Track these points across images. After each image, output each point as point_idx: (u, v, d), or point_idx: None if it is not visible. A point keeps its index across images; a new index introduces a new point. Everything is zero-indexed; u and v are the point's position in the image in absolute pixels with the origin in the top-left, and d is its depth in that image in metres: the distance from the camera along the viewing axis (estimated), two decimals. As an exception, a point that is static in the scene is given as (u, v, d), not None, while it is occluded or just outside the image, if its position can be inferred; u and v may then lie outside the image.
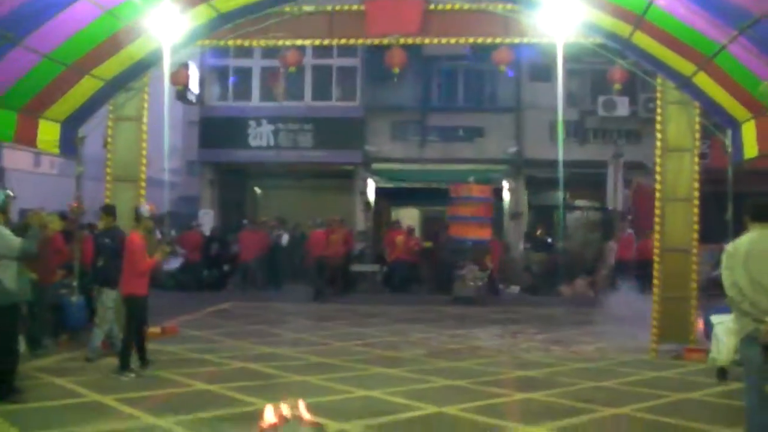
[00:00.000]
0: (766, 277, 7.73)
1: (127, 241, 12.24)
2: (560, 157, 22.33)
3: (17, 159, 39.06)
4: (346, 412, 9.84)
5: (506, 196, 31.76)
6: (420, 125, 31.44)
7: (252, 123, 31.62)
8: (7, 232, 10.04)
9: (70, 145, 15.01)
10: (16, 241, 9.97)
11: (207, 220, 31.09)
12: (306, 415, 8.81)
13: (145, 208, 12.53)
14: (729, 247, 8.10)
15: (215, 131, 31.72)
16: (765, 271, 7.73)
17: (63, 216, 15.01)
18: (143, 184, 15.50)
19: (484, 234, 24.68)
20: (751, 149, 13.32)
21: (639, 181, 27.19)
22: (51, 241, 13.95)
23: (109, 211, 13.52)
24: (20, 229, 10.73)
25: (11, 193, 10.48)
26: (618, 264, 24.74)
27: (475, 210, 24.50)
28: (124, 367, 11.93)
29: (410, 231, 28.06)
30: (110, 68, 14.19)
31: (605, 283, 24.17)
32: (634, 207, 27.17)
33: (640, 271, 22.16)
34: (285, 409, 8.82)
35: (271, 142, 31.60)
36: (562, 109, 21.69)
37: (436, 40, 15.88)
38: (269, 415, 8.67)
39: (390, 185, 31.69)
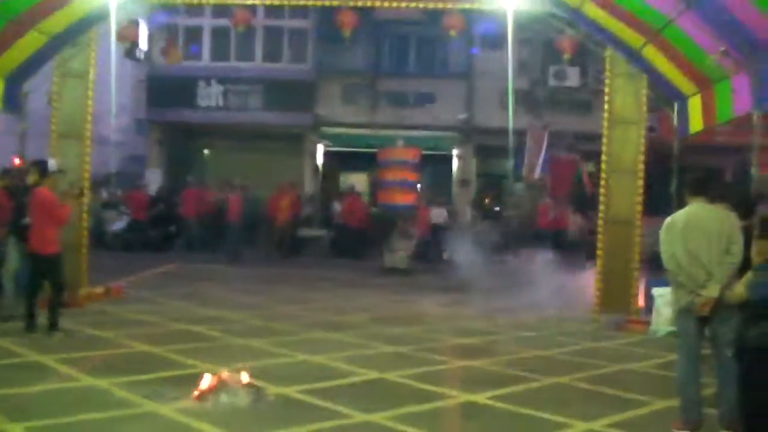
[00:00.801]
0: (703, 251, 7.85)
1: (35, 197, 11.96)
2: (510, 124, 22.31)
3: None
4: (288, 376, 9.85)
5: (455, 163, 31.82)
6: (371, 90, 31.34)
7: (201, 83, 31.34)
8: None
9: (14, 101, 14.79)
10: None
11: (154, 179, 30.84)
12: (245, 379, 8.87)
13: (52, 162, 12.33)
14: (667, 220, 8.23)
15: (164, 90, 31.35)
16: (701, 244, 7.86)
17: (5, 172, 14.72)
18: (88, 141, 15.34)
19: (410, 199, 23.75)
20: (696, 123, 13.48)
21: (552, 152, 27.44)
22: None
23: (39, 166, 13.08)
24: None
25: None
26: (536, 233, 24.90)
27: (402, 174, 23.40)
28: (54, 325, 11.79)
29: (357, 196, 27.93)
30: (56, 23, 14.00)
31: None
32: (550, 176, 27.41)
33: (556, 241, 22.42)
34: (225, 373, 8.89)
35: (221, 103, 31.37)
36: (512, 77, 21.59)
37: (387, 3, 15.75)
38: (209, 378, 8.73)
39: (339, 149, 31.62)
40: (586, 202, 25.14)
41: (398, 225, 23.31)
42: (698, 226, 7.97)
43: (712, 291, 7.76)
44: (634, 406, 9.09)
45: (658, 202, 15.65)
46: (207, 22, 31.38)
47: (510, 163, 27.76)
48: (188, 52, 31.65)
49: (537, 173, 26.20)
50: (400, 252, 22.48)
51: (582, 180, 27.22)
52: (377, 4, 16.01)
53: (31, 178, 13.15)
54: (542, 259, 19.20)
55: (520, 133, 26.02)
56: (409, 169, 23.49)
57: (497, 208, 29.60)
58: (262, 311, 15.05)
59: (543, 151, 25.85)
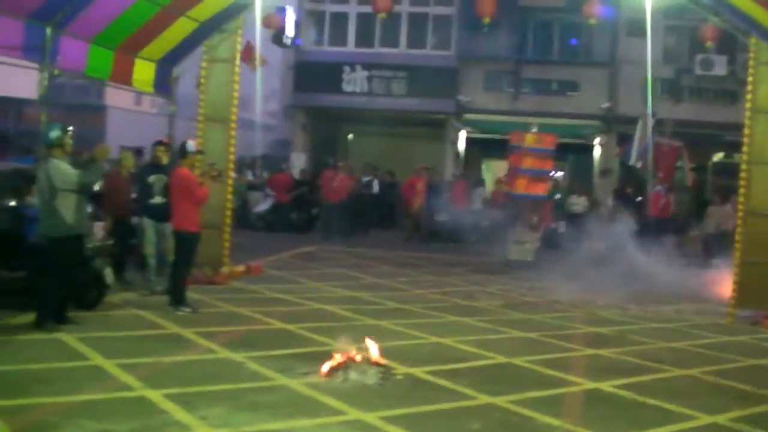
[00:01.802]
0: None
1: (175, 177, 12.43)
2: (649, 112, 21.91)
3: (118, 97, 39.92)
4: (416, 357, 10.05)
5: (597, 152, 31.51)
6: (513, 77, 31.32)
7: (347, 68, 31.82)
8: (65, 166, 10.26)
9: (164, 84, 15.40)
10: (73, 174, 10.19)
11: (299, 163, 31.50)
12: (375, 357, 9.12)
13: (191, 144, 12.70)
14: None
15: (310, 76, 31.98)
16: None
17: (138, 152, 15.16)
18: (233, 125, 15.81)
19: (542, 190, 22.43)
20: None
21: (658, 139, 26.73)
22: (122, 178, 14.36)
23: (179, 147, 13.06)
24: (86, 163, 10.92)
25: (70, 129, 10.69)
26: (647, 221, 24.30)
27: (535, 162, 22.01)
28: (179, 301, 12.24)
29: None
30: (206, 9, 14.50)
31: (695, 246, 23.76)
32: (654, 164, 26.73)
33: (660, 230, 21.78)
34: (355, 351, 9.15)
35: (365, 89, 31.81)
36: (651, 65, 21.22)
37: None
38: (339, 356, 9.01)
39: (481, 136, 31.67)
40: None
41: (526, 216, 22.32)
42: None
43: None
44: (763, 402, 8.97)
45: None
46: (353, 9, 31.81)
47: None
48: (334, 38, 32.25)
49: (640, 160, 25.62)
50: (526, 244, 21.88)
51: (684, 168, 26.44)
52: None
53: (162, 158, 13.64)
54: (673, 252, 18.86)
55: (661, 122, 25.62)
56: (544, 157, 22.30)
57: (639, 198, 29.11)
58: (395, 293, 15.31)
59: (647, 139, 25.23)
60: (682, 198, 28.29)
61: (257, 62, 16.82)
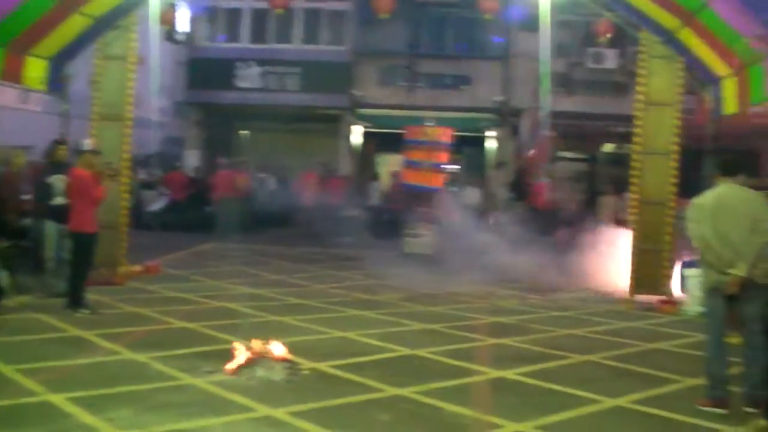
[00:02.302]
0: (732, 231, 7.97)
1: (71, 177, 12.22)
2: (546, 107, 22.33)
3: (3, 95, 38.79)
4: (321, 352, 10.06)
5: (491, 144, 31.88)
6: (408, 71, 31.44)
7: (240, 65, 31.59)
8: None
9: (56, 82, 15.07)
10: None
11: (193, 161, 31.15)
12: (280, 353, 9.09)
13: (87, 143, 12.53)
14: (696, 200, 8.34)
15: (203, 72, 31.67)
16: (730, 224, 7.97)
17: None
18: (129, 123, 15.56)
19: (437, 182, 22.16)
20: (730, 105, 13.52)
21: (535, 132, 27.48)
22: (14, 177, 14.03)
23: (72, 146, 13.26)
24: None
25: None
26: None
27: (432, 155, 21.88)
28: (78, 303, 12.01)
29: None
30: (99, 5, 14.23)
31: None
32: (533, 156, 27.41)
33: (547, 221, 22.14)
34: (259, 347, 9.11)
35: (259, 85, 31.61)
36: (549, 59, 21.58)
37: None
38: (244, 353, 8.96)
39: (376, 131, 31.76)
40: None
41: (422, 208, 22.02)
42: (727, 206, 8.08)
43: (740, 270, 7.89)
44: (662, 383, 9.24)
45: (694, 184, 15.65)
46: (246, 4, 31.58)
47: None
48: (228, 34, 32.02)
49: (528, 152, 26.20)
50: (423, 237, 21.35)
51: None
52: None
53: (59, 155, 13.37)
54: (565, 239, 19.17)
55: (556, 116, 26.10)
56: (440, 150, 22.19)
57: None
58: (296, 289, 15.28)
59: (538, 131, 25.82)
60: (575, 188, 28.84)
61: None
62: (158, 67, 24.22)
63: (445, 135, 22.15)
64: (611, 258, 17.17)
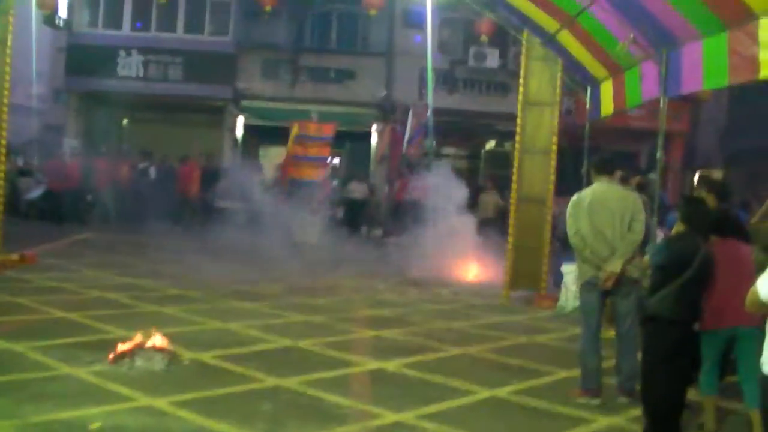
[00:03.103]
0: (607, 227, 8.24)
1: None
2: (430, 102, 22.63)
3: None
4: (202, 342, 10.04)
5: (374, 139, 32.06)
6: (292, 64, 31.38)
7: (122, 52, 31.06)
8: None
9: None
10: None
11: (71, 149, 30.50)
12: (160, 344, 9.04)
13: None
14: (574, 197, 8.61)
15: (83, 59, 30.99)
16: (606, 221, 8.24)
17: None
18: (5, 109, 15.21)
19: (319, 174, 23.59)
20: (607, 107, 13.90)
21: (391, 125, 27.99)
22: None
23: None
24: None
25: None
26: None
27: (314, 149, 23.16)
28: None
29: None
30: (-25, -13, 13.89)
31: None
32: (389, 151, 27.89)
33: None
34: (140, 338, 9.05)
35: (141, 73, 31.12)
36: (421, 55, 21.87)
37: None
38: (124, 343, 8.89)
39: (259, 123, 31.62)
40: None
41: (308, 200, 22.82)
42: (603, 203, 8.36)
43: (615, 266, 8.17)
44: (537, 375, 9.49)
45: (572, 182, 16.04)
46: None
47: (428, 142, 28.01)
48: (109, 21, 31.44)
49: (410, 148, 26.59)
50: (309, 227, 22.37)
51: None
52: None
53: None
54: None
55: (438, 113, 26.48)
56: (322, 145, 23.27)
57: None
58: (177, 280, 15.15)
59: (420, 127, 26.21)
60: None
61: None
62: (37, 53, 23.71)
63: (328, 129, 22.70)
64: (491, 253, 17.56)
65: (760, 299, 4.83)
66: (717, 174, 12.55)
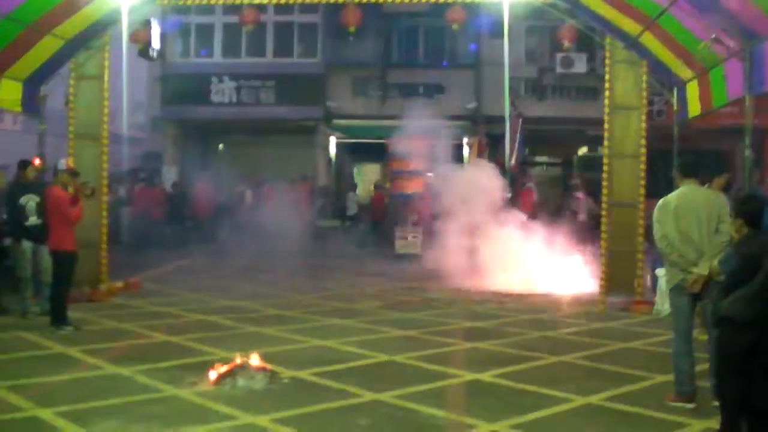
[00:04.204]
0: (694, 231, 8.25)
1: (48, 197, 12.35)
2: (506, 112, 22.74)
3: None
4: (301, 360, 10.27)
5: (465, 151, 32.13)
6: (380, 81, 31.71)
7: (214, 79, 31.75)
8: None
9: (32, 103, 15.26)
10: None
11: (170, 176, 31.24)
12: (260, 363, 9.31)
13: (62, 162, 12.69)
14: (660, 201, 8.63)
15: (177, 87, 31.78)
16: (692, 224, 8.25)
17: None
18: (105, 141, 15.78)
19: (418, 187, 24.09)
20: (694, 107, 13.86)
21: (480, 137, 27.87)
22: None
23: (23, 165, 13.60)
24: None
25: None
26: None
27: (410, 163, 23.62)
28: (61, 321, 12.17)
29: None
30: (70, 27, 14.43)
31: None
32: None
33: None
34: (240, 358, 9.33)
35: (234, 99, 31.77)
36: (513, 65, 21.91)
37: (390, -1, 16.18)
38: (225, 364, 9.18)
39: (351, 141, 32.00)
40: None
41: (407, 213, 23.73)
42: (689, 206, 8.36)
43: (703, 269, 8.16)
44: (633, 381, 9.51)
45: (663, 185, 15.93)
46: (218, 20, 31.75)
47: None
48: (201, 50, 32.19)
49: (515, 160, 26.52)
50: (410, 237, 22.98)
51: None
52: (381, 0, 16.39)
53: (28, 175, 13.53)
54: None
55: (528, 121, 26.44)
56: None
57: (509, 195, 29.79)
58: (276, 300, 15.48)
59: (518, 139, 26.16)
60: (552, 192, 29.16)
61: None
62: (133, 84, 24.34)
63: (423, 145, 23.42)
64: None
65: None
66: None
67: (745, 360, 6.70)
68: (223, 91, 31.77)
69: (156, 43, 17.57)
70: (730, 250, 7.32)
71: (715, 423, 7.78)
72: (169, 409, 8.07)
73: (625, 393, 8.94)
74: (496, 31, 29.79)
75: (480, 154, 27.84)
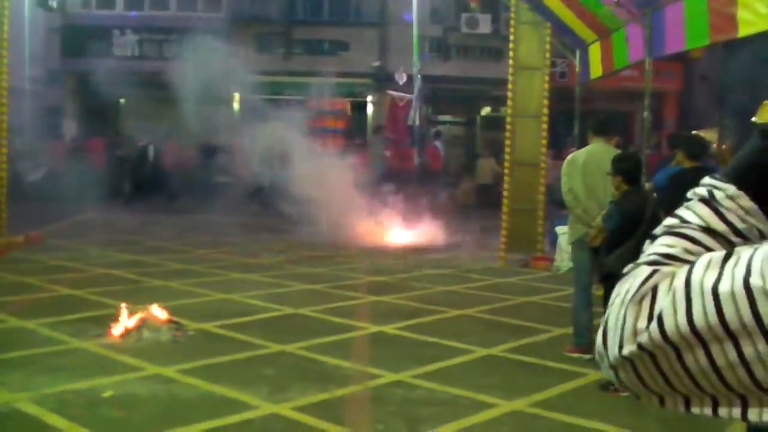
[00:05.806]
0: (599, 186, 8.47)
1: None
2: (415, 72, 22.86)
3: None
4: (206, 313, 10.31)
5: (370, 109, 32.23)
6: (285, 38, 31.52)
7: (116, 32, 31.20)
8: None
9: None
10: None
11: (70, 130, 30.70)
12: (166, 315, 9.31)
13: None
14: (569, 156, 8.87)
15: (78, 40, 31.15)
16: (599, 180, 8.47)
17: None
18: (5, 93, 15.39)
19: (337, 146, 23.84)
20: (596, 69, 14.06)
21: (391, 95, 28.13)
22: None
23: None
24: None
25: None
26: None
27: (330, 123, 24.45)
28: None
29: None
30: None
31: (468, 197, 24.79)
32: (388, 120, 28.06)
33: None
34: (146, 311, 9.31)
35: (136, 52, 31.28)
36: (419, 24, 22.02)
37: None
38: (129, 316, 9.15)
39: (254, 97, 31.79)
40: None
41: None
42: (597, 163, 8.57)
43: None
44: (532, 333, 9.77)
45: (564, 144, 16.25)
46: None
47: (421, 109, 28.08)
48: (102, 1, 31.58)
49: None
50: None
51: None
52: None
53: None
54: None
55: (432, 80, 26.59)
56: (336, 118, 24.49)
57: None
58: (179, 255, 15.43)
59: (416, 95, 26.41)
60: (453, 152, 29.47)
61: None
62: (31, 35, 23.84)
63: (341, 104, 23.83)
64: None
65: None
66: (711, 134, 12.81)
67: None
68: (125, 44, 31.25)
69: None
70: (612, 207, 7.60)
71: (611, 373, 8.05)
72: (75, 361, 8.02)
73: (525, 345, 9.18)
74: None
75: (392, 113, 27.91)
